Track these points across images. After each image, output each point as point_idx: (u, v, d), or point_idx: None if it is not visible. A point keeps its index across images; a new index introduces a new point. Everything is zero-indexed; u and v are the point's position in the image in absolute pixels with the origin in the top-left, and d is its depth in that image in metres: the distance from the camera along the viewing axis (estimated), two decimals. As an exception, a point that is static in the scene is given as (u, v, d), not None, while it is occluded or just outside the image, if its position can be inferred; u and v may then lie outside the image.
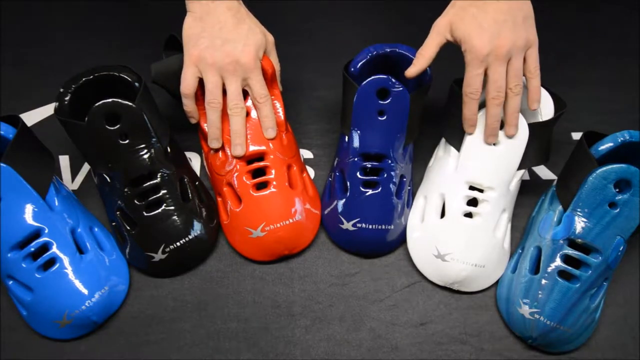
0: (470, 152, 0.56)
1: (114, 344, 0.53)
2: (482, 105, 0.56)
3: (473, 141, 0.55)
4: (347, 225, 0.57)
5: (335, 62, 0.64)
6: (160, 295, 0.56)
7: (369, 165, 0.57)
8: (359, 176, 0.57)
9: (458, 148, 0.57)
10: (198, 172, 0.64)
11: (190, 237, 0.56)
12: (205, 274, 0.58)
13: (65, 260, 0.51)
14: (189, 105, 0.57)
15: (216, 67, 0.54)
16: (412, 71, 0.54)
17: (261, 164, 0.57)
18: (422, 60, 0.53)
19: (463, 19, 0.51)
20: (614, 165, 0.50)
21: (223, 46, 0.53)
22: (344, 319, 0.55)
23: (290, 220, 0.56)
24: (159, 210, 0.55)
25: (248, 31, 0.54)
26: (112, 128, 0.52)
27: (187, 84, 0.55)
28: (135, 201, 0.55)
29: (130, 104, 0.52)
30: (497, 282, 0.57)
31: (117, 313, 0.55)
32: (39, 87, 0.71)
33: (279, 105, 0.60)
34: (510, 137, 0.54)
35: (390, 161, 0.57)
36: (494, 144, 0.55)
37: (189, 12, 0.55)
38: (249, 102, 0.57)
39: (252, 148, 0.56)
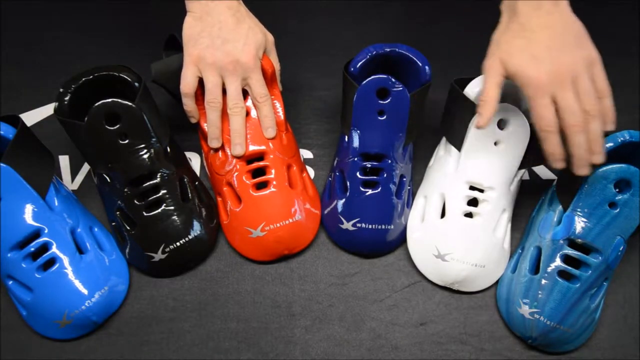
0: (470, 151, 0.55)
1: (114, 344, 0.53)
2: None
3: (474, 141, 0.55)
4: (347, 225, 0.57)
5: (335, 62, 0.64)
6: (160, 295, 0.56)
7: (369, 165, 0.57)
8: (359, 176, 0.57)
9: (459, 148, 0.57)
10: (198, 172, 0.64)
11: (190, 237, 0.55)
12: (205, 274, 0.58)
13: (65, 260, 0.51)
14: (189, 104, 0.57)
15: (216, 66, 0.54)
16: (482, 121, 0.49)
17: (261, 163, 0.57)
18: (488, 106, 0.49)
19: (512, 54, 0.47)
20: (614, 165, 0.50)
21: (223, 46, 0.53)
22: (344, 319, 0.55)
23: (290, 220, 0.56)
24: (159, 210, 0.55)
25: (248, 30, 0.54)
26: (111, 128, 0.52)
27: (187, 84, 0.55)
28: (135, 201, 0.54)
29: (130, 104, 0.52)
30: (497, 282, 0.57)
31: (117, 313, 0.55)
32: (39, 87, 0.71)
33: (278, 105, 0.60)
34: (597, 165, 0.48)
35: (390, 161, 0.57)
36: (495, 144, 0.55)
37: (189, 12, 0.55)
38: (249, 102, 0.57)
39: (252, 148, 0.57)
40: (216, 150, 0.58)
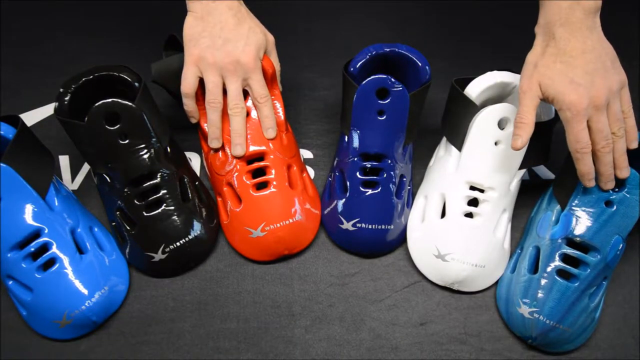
0: (471, 152, 0.56)
1: (114, 344, 0.53)
2: (483, 105, 0.56)
3: (474, 141, 0.55)
4: (347, 225, 0.57)
5: (335, 62, 0.64)
6: (160, 295, 0.56)
7: (369, 165, 0.57)
8: (359, 176, 0.57)
9: (459, 148, 0.57)
10: (198, 172, 0.64)
11: (190, 237, 0.56)
12: (205, 274, 0.58)
13: (65, 260, 0.51)
14: (189, 104, 0.57)
15: (217, 66, 0.54)
16: (520, 144, 0.50)
17: (261, 163, 0.57)
18: (526, 128, 0.50)
19: (552, 78, 0.48)
20: (611, 165, 0.50)
21: (224, 46, 0.53)
22: (344, 319, 0.55)
23: (290, 220, 0.56)
24: (159, 210, 0.55)
25: (249, 31, 0.55)
26: (111, 128, 0.52)
27: (188, 84, 0.55)
28: (135, 201, 0.54)
29: (130, 104, 0.52)
30: (497, 282, 0.57)
31: (117, 313, 0.55)
32: (39, 87, 0.71)
33: (279, 105, 0.60)
34: (622, 179, 0.51)
35: (390, 161, 0.57)
36: (495, 144, 0.55)
37: (190, 12, 0.55)
38: (249, 102, 0.57)
39: (252, 148, 0.57)
40: (216, 150, 0.58)
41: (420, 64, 0.56)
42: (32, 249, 0.51)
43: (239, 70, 0.54)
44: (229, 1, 0.54)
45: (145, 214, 0.54)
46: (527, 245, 0.56)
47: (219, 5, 0.54)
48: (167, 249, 0.55)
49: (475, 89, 0.56)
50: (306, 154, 0.67)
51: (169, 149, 0.58)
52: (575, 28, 0.48)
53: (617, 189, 0.51)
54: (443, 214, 0.57)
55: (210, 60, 0.54)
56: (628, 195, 0.50)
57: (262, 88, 0.56)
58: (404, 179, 0.59)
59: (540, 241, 0.54)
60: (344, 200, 0.57)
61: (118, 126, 0.52)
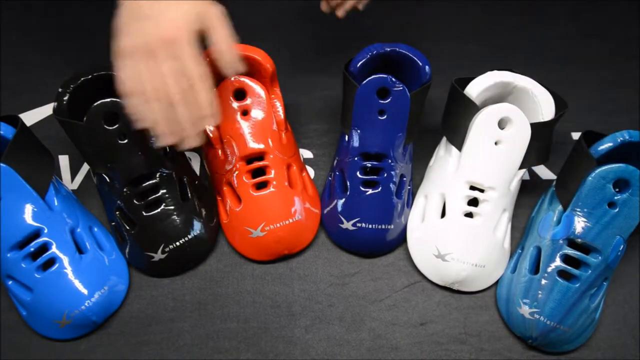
0: (471, 151, 0.55)
1: (114, 344, 0.53)
2: (483, 105, 0.56)
3: (474, 141, 0.55)
4: (347, 225, 0.57)
5: (335, 62, 0.64)
6: (160, 295, 0.56)
7: (369, 165, 0.57)
8: (359, 175, 0.57)
9: (459, 147, 0.57)
10: (198, 172, 0.64)
11: (189, 236, 0.55)
12: (205, 273, 0.58)
13: (65, 260, 0.51)
14: (135, 104, 0.47)
15: (144, 50, 0.46)
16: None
17: (261, 163, 0.57)
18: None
19: None
20: (613, 165, 0.50)
21: (147, 27, 0.46)
22: (344, 319, 0.55)
23: (290, 220, 0.56)
24: (159, 209, 0.55)
25: (174, 4, 0.46)
26: (111, 128, 0.52)
27: (127, 80, 0.46)
28: (135, 201, 0.54)
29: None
30: (497, 282, 0.57)
31: (117, 313, 0.55)
32: (38, 87, 0.71)
33: (279, 105, 0.60)
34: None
35: (390, 160, 0.57)
36: (496, 144, 0.55)
37: (121, 3, 0.48)
38: (248, 101, 0.57)
39: (252, 147, 0.56)
40: (214, 148, 0.58)
41: (420, 64, 0.56)
42: (32, 249, 0.50)
43: (166, 48, 0.45)
44: None
45: (144, 214, 0.54)
46: (528, 246, 0.56)
47: None
48: (167, 249, 0.55)
49: (475, 89, 0.56)
50: (306, 153, 0.67)
51: (168, 149, 0.58)
52: None
53: (619, 190, 0.51)
54: (443, 214, 0.57)
55: (138, 44, 0.46)
56: (632, 197, 0.50)
57: (194, 65, 0.46)
58: (404, 179, 0.59)
59: (542, 241, 0.54)
60: (344, 199, 0.57)
61: (117, 126, 0.52)
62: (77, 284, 0.51)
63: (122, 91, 0.47)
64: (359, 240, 0.57)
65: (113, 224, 0.57)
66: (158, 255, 0.55)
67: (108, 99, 0.51)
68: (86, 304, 0.51)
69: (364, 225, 0.56)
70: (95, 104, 0.51)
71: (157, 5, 0.45)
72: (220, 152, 0.58)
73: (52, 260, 0.51)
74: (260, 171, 0.57)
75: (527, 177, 0.65)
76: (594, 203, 0.51)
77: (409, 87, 0.55)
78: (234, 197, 0.58)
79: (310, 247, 0.59)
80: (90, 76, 0.55)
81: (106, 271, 0.54)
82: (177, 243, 0.55)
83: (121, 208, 0.55)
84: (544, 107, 0.56)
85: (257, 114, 0.57)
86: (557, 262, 0.52)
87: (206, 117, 0.48)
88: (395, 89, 0.54)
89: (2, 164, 0.49)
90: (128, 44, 0.46)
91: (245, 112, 0.56)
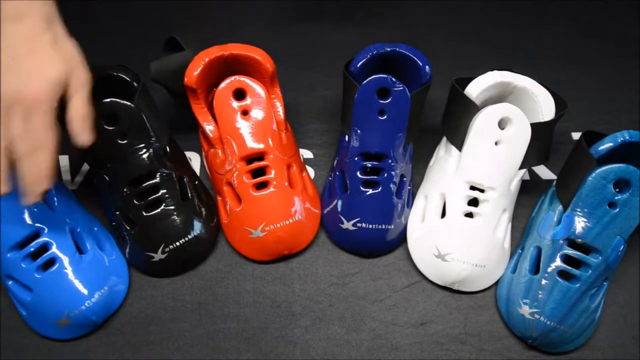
0: (471, 151, 0.55)
1: (114, 344, 0.53)
2: (483, 105, 0.56)
3: (474, 141, 0.55)
4: (347, 225, 0.57)
5: (335, 62, 0.64)
6: (160, 295, 0.56)
7: (369, 165, 0.57)
8: (359, 175, 0.57)
9: (459, 147, 0.57)
10: (198, 172, 0.64)
11: (190, 236, 0.55)
12: (205, 273, 0.58)
13: (65, 260, 0.51)
14: None
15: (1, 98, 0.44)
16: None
17: (261, 163, 0.57)
18: None
19: None
20: (613, 165, 0.50)
21: (5, 75, 0.44)
22: (344, 319, 0.55)
23: (291, 220, 0.56)
24: (159, 209, 0.55)
25: (38, 63, 0.45)
26: (110, 128, 0.52)
27: None
28: (135, 201, 0.54)
29: (128, 103, 0.52)
30: (497, 282, 0.57)
31: (117, 313, 0.55)
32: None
33: (279, 105, 0.60)
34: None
35: (390, 160, 0.57)
36: (496, 144, 0.55)
37: None
38: (248, 101, 0.57)
39: (252, 147, 0.56)
40: (213, 149, 0.58)
41: (420, 64, 0.56)
42: (32, 249, 0.50)
43: (19, 104, 0.44)
44: (26, 25, 0.45)
45: (144, 214, 0.54)
46: (528, 246, 0.56)
47: (11, 28, 0.44)
48: (167, 249, 0.55)
49: (475, 88, 0.56)
50: (306, 153, 0.67)
51: (168, 149, 0.58)
52: None
53: (620, 190, 0.51)
54: (443, 214, 0.57)
55: None
56: (632, 197, 0.50)
57: (40, 132, 0.44)
58: (404, 179, 0.59)
59: (542, 241, 0.54)
60: (344, 199, 0.57)
61: (117, 126, 0.52)
62: (77, 284, 0.51)
63: None
64: (359, 240, 0.57)
65: (113, 224, 0.57)
66: (158, 255, 0.55)
67: (108, 99, 0.51)
68: (86, 304, 0.51)
69: (364, 225, 0.56)
70: (95, 104, 0.51)
71: (15, 55, 0.44)
72: (220, 152, 0.58)
73: (52, 260, 0.51)
74: (261, 171, 0.57)
75: (527, 177, 0.65)
76: (594, 203, 0.51)
77: (409, 87, 0.55)
78: (234, 197, 0.58)
79: (310, 247, 0.59)
80: (90, 76, 0.55)
81: (106, 271, 0.54)
82: (177, 243, 0.55)
83: (121, 208, 0.55)
84: (544, 107, 0.56)
85: (257, 113, 0.57)
86: (558, 262, 0.52)
87: (42, 182, 0.46)
88: (396, 89, 0.54)
89: (2, 164, 0.49)
90: None
91: (245, 112, 0.56)
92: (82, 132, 0.47)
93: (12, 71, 0.44)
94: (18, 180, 0.46)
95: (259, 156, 0.57)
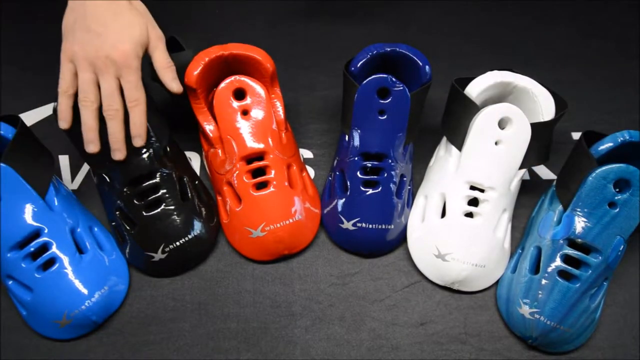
0: (471, 151, 0.55)
1: (114, 344, 0.53)
2: (483, 105, 0.56)
3: (474, 141, 0.55)
4: (347, 225, 0.57)
5: (335, 62, 0.64)
6: (160, 295, 0.56)
7: (369, 165, 0.57)
8: (359, 175, 0.57)
9: (459, 147, 0.57)
10: (198, 172, 0.64)
11: (190, 236, 0.55)
12: (205, 273, 0.58)
13: (65, 260, 0.51)
14: (63, 104, 0.51)
15: (88, 62, 0.50)
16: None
17: (261, 163, 0.57)
18: None
19: None
20: (613, 165, 0.50)
21: (94, 40, 0.49)
22: (344, 319, 0.55)
23: (291, 220, 0.56)
24: (159, 209, 0.55)
25: (125, 25, 0.50)
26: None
27: (64, 81, 0.51)
28: (135, 201, 0.54)
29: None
30: (497, 282, 0.57)
31: (117, 313, 0.55)
32: (39, 87, 0.71)
33: (279, 105, 0.60)
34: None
35: (390, 160, 0.57)
36: (496, 143, 0.55)
37: (69, 3, 0.51)
38: (248, 101, 0.57)
39: (252, 147, 0.56)
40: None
41: (420, 64, 0.56)
42: (32, 249, 0.51)
43: (110, 67, 0.49)
44: None
45: (144, 214, 0.54)
46: (528, 246, 0.56)
47: None
48: (167, 249, 0.55)
49: (475, 88, 0.56)
50: (306, 153, 0.67)
51: (168, 149, 0.58)
52: None
53: (620, 190, 0.51)
54: (443, 214, 0.57)
55: (81, 54, 0.49)
56: (632, 197, 0.50)
57: (134, 89, 0.51)
58: (405, 179, 0.59)
59: (542, 241, 0.54)
60: (344, 199, 0.57)
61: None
62: (77, 284, 0.51)
63: (59, 87, 0.51)
64: (359, 240, 0.57)
65: (113, 224, 0.57)
66: (158, 255, 0.55)
67: None
68: (86, 304, 0.51)
69: (364, 225, 0.56)
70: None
71: (102, 21, 0.49)
72: (220, 152, 0.58)
73: (52, 260, 0.51)
74: (261, 171, 0.57)
75: (527, 177, 0.65)
76: (594, 203, 0.51)
77: (409, 87, 0.55)
78: (234, 197, 0.58)
79: (310, 247, 0.59)
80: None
81: (106, 271, 0.54)
82: (177, 243, 0.55)
83: (121, 208, 0.55)
84: (544, 107, 0.56)
85: (257, 113, 0.57)
86: (558, 262, 0.52)
87: (137, 136, 0.53)
88: (396, 88, 0.54)
89: (2, 164, 0.49)
90: (74, 51, 0.50)
91: (245, 112, 0.57)
92: (172, 81, 0.53)
93: (101, 37, 0.49)
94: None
95: (259, 156, 0.57)
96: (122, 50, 0.49)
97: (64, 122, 0.52)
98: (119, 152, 0.52)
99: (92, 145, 0.52)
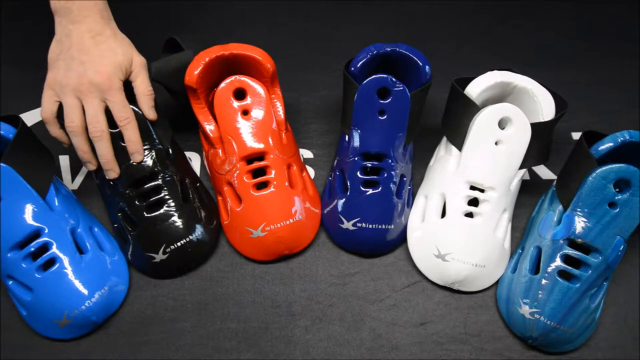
0: (471, 151, 0.55)
1: (114, 344, 0.53)
2: (483, 105, 0.56)
3: (475, 141, 0.55)
4: (347, 225, 0.57)
5: (336, 62, 0.64)
6: (160, 295, 0.56)
7: (369, 165, 0.57)
8: (359, 175, 0.57)
9: (459, 147, 0.57)
10: (198, 172, 0.64)
11: (190, 237, 0.55)
12: (205, 273, 0.58)
13: (65, 260, 0.51)
14: (52, 131, 0.55)
15: (70, 88, 0.52)
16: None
17: (261, 163, 0.57)
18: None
19: None
20: (614, 165, 0.50)
21: (77, 67, 0.52)
22: (344, 319, 0.55)
23: (291, 220, 0.56)
24: (160, 211, 0.55)
25: (107, 50, 0.53)
26: (113, 131, 0.53)
27: (45, 109, 0.53)
28: (137, 202, 0.55)
29: (132, 107, 0.52)
30: (497, 282, 0.57)
31: (117, 313, 0.55)
32: (39, 87, 0.71)
33: (279, 105, 0.60)
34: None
35: (390, 160, 0.57)
36: (496, 144, 0.55)
37: (55, 36, 0.54)
38: (249, 101, 0.57)
39: (252, 147, 0.56)
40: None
41: (420, 64, 0.56)
42: (32, 249, 0.51)
43: (94, 91, 0.52)
44: (89, 24, 0.52)
45: (146, 215, 0.54)
46: (528, 245, 0.56)
47: (77, 29, 0.52)
48: (168, 250, 0.55)
49: (475, 88, 0.56)
50: (306, 153, 0.67)
51: (170, 151, 0.58)
52: None
53: (620, 190, 0.51)
54: (443, 214, 0.57)
55: (64, 82, 0.52)
56: (632, 197, 0.50)
57: (122, 109, 0.53)
58: (405, 179, 0.59)
59: (542, 241, 0.54)
60: (344, 199, 0.57)
61: (119, 129, 0.52)
62: (78, 284, 0.51)
63: (41, 115, 0.54)
64: (359, 240, 0.57)
65: (115, 225, 0.57)
66: (159, 256, 0.55)
67: None
68: (86, 304, 0.51)
69: (364, 225, 0.56)
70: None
71: (86, 50, 0.52)
72: (220, 152, 0.58)
73: (52, 260, 0.51)
74: (261, 171, 0.57)
75: (527, 177, 0.65)
76: (594, 203, 0.51)
77: (409, 87, 0.55)
78: (235, 197, 0.58)
79: (310, 247, 0.60)
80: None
81: (106, 271, 0.54)
82: (178, 244, 0.55)
83: (123, 209, 0.55)
84: (544, 107, 0.56)
85: (257, 113, 0.57)
86: (558, 262, 0.52)
87: (135, 153, 0.54)
88: (396, 89, 0.54)
89: (2, 164, 0.49)
90: (57, 80, 0.53)
91: (245, 112, 0.57)
92: (150, 109, 0.55)
93: (84, 64, 0.52)
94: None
95: (259, 156, 0.57)
96: (104, 73, 0.52)
97: (64, 143, 0.56)
98: (112, 172, 0.54)
99: (90, 165, 0.55)
